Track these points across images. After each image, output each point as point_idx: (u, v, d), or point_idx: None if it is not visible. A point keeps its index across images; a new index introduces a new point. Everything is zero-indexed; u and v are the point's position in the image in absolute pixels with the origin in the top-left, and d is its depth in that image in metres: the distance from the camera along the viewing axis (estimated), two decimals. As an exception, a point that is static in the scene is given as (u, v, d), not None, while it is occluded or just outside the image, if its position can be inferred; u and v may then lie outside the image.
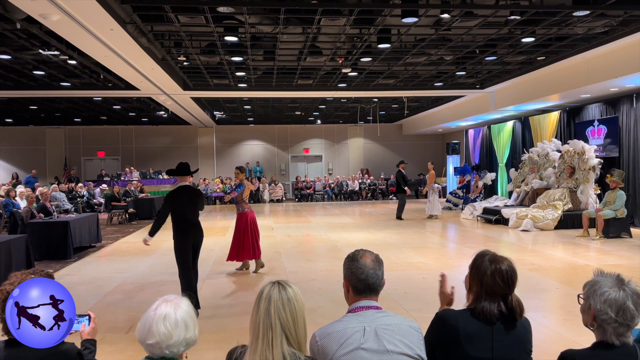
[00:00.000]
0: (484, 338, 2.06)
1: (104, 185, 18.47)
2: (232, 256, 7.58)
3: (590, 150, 12.11)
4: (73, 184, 18.91)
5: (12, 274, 2.07)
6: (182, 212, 5.76)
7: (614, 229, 10.14)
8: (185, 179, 6.09)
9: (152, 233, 5.75)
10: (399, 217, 14.46)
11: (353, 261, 2.07)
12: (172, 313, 1.84)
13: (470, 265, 2.21)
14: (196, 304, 5.55)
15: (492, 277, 2.09)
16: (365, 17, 8.49)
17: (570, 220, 11.71)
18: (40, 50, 9.81)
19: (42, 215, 9.87)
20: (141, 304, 5.88)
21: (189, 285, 5.66)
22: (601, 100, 13.48)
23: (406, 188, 14.51)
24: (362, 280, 2.03)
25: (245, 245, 7.49)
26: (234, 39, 9.57)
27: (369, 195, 23.00)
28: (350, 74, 13.08)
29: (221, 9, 7.80)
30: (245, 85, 14.61)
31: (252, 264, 7.86)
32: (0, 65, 11.28)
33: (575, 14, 8.24)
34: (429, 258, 8.54)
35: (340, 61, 11.62)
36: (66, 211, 13.23)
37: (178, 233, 5.71)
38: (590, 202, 11.91)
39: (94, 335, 2.30)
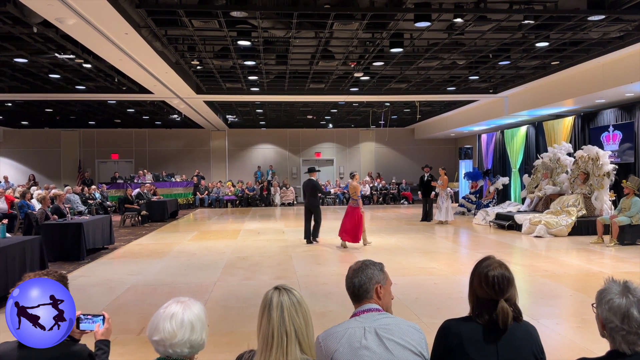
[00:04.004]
0: (487, 344, 2.07)
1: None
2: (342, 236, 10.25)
3: (605, 156, 11.97)
4: (86, 186, 19.08)
5: (26, 275, 2.09)
6: (305, 194, 11.16)
7: (629, 236, 9.99)
8: (312, 175, 11.10)
9: None
10: (431, 219, 15.10)
11: (347, 272, 2.25)
12: (179, 313, 1.85)
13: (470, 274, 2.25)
14: (311, 238, 10.88)
15: (478, 283, 2.14)
16: (377, 21, 8.49)
17: (584, 227, 11.56)
18: (56, 54, 9.94)
19: (56, 217, 9.98)
20: (153, 306, 5.91)
21: (309, 229, 10.88)
22: (616, 105, 13.33)
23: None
24: (349, 289, 2.20)
25: (343, 228, 10.19)
26: (246, 43, 9.62)
27: (380, 199, 22.93)
28: (362, 78, 13.08)
29: (234, 14, 7.84)
30: (257, 89, 14.67)
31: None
32: (17, 68, 11.46)
33: (590, 18, 8.17)
34: (440, 263, 8.48)
35: (353, 65, 11.63)
36: (80, 213, 13.37)
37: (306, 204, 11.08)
38: (605, 208, 11.76)
39: (108, 335, 2.31)
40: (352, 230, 10.06)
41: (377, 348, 1.93)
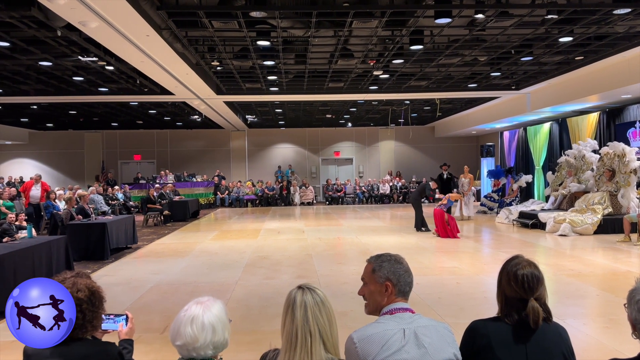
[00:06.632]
0: (516, 345, 2.03)
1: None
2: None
3: (631, 153, 11.69)
4: (109, 187, 19.37)
5: (60, 277, 2.09)
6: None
7: (657, 234, 9.74)
8: (433, 184, 12.79)
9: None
10: None
11: (398, 263, 2.10)
12: (200, 316, 1.85)
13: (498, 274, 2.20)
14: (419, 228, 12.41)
15: (507, 282, 2.10)
16: (397, 18, 8.42)
17: (610, 225, 11.31)
18: (80, 57, 10.11)
19: (80, 217, 10.15)
20: (176, 305, 5.97)
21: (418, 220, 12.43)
22: (643, 100, 13.02)
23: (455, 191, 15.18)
24: (409, 282, 2.08)
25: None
26: (266, 43, 9.65)
27: (400, 198, 22.80)
28: (381, 76, 13.01)
29: (254, 14, 7.88)
30: (276, 89, 14.71)
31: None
32: (41, 71, 11.69)
33: (615, 12, 7.99)
34: (463, 263, 8.39)
35: (372, 63, 11.57)
36: (104, 213, 13.58)
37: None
38: (632, 206, 11.49)
39: (132, 335, 2.33)
40: (449, 225, 11.37)
41: (416, 352, 1.88)
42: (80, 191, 14.38)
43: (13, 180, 20.46)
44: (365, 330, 1.93)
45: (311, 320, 1.80)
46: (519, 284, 2.06)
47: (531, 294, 2.06)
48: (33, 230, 8.00)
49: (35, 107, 16.86)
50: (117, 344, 2.24)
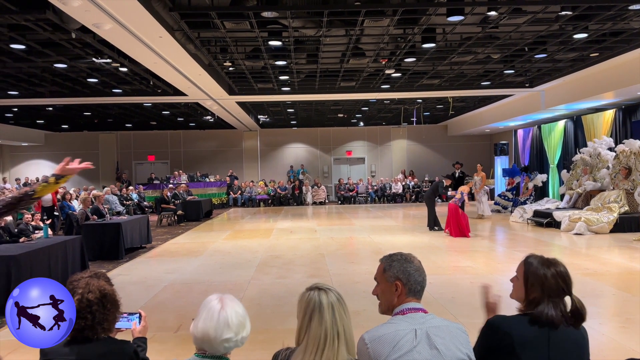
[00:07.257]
0: (539, 344, 2.00)
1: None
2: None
3: (649, 150, 11.53)
4: (124, 186, 19.56)
5: (75, 276, 2.11)
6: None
7: (675, 233, 9.59)
8: (447, 181, 12.99)
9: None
10: None
11: (408, 262, 2.07)
12: (238, 306, 1.95)
13: (524, 273, 2.14)
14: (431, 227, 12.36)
15: (554, 280, 2.07)
16: (409, 17, 8.39)
17: (627, 224, 11.17)
18: (94, 59, 10.22)
19: (95, 217, 10.26)
20: (190, 304, 6.00)
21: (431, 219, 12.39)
22: (660, 97, 12.81)
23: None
24: (419, 282, 2.05)
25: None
26: (277, 43, 9.67)
27: (413, 197, 22.70)
28: (393, 75, 12.96)
29: (265, 14, 7.89)
30: (288, 88, 14.72)
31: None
32: (56, 73, 11.83)
33: (631, 7, 7.87)
34: (477, 262, 8.33)
35: (384, 62, 11.54)
36: (118, 213, 13.70)
37: None
38: (649, 204, 11.34)
39: (145, 333, 2.35)
40: (461, 225, 11.26)
41: (428, 353, 1.86)
42: (95, 192, 14.54)
43: (30, 182, 20.75)
44: (377, 331, 1.92)
45: (338, 321, 1.81)
46: (565, 281, 2.07)
47: (571, 289, 2.09)
48: (49, 230, 8.10)
49: (50, 108, 17.08)
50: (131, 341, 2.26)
